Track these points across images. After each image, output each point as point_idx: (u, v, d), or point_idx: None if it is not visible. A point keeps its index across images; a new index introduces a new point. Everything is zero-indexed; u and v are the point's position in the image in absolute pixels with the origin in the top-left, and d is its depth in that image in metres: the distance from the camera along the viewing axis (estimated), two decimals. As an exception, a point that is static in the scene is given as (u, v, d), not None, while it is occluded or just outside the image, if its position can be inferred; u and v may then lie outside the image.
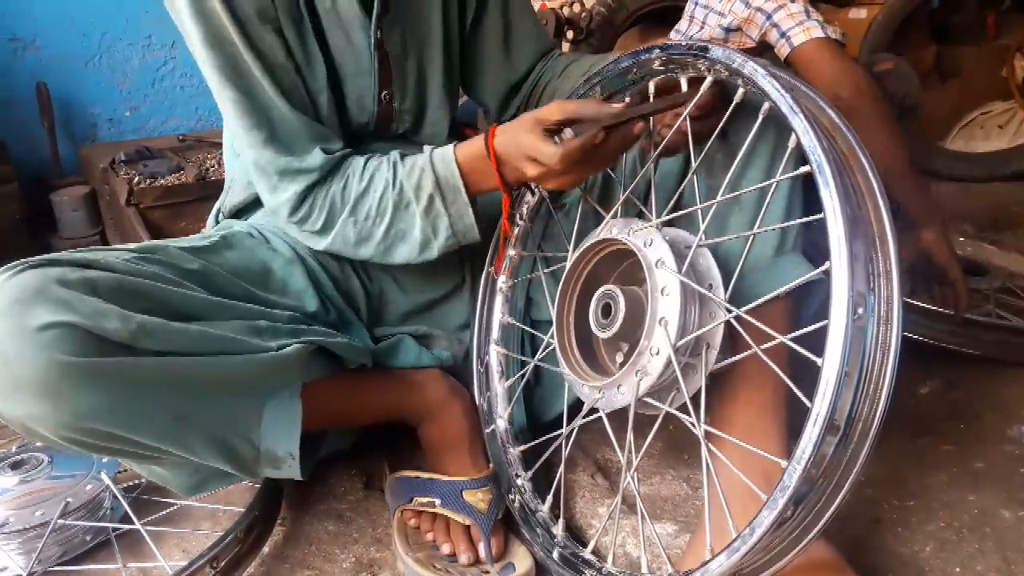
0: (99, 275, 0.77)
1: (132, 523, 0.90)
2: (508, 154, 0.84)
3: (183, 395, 0.78)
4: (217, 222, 1.06)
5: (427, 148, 0.90)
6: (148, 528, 0.90)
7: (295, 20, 0.89)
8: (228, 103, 0.88)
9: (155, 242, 0.91)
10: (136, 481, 0.99)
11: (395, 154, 0.91)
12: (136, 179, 1.67)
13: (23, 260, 0.75)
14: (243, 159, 0.92)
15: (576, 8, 2.13)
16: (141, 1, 2.00)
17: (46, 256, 0.77)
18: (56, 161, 1.94)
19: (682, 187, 0.85)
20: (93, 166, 1.85)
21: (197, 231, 1.13)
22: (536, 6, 2.23)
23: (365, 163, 0.91)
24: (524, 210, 1.00)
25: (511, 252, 1.01)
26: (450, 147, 0.89)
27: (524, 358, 1.01)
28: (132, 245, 0.87)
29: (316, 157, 0.89)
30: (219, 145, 1.89)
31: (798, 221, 0.80)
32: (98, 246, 0.84)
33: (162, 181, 1.68)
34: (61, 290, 0.72)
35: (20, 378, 0.69)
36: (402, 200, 0.90)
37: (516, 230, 1.01)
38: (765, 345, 0.68)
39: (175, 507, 0.96)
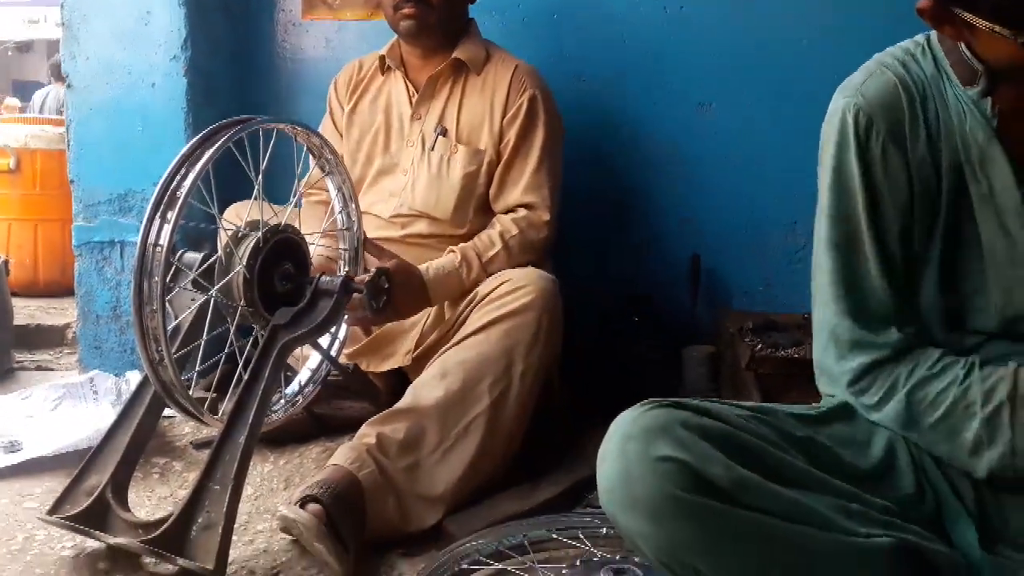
0: (713, 424, 0.87)
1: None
2: None
3: (765, 555, 0.82)
4: None
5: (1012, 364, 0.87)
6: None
7: (929, 209, 0.93)
8: (825, 273, 0.96)
9: (768, 404, 0.98)
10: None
11: (975, 357, 0.89)
12: (759, 347, 1.80)
13: (658, 399, 0.89)
14: (817, 322, 0.98)
15: None
16: (791, 187, 2.18)
17: (675, 400, 0.90)
18: (693, 322, 2.21)
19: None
20: (723, 331, 2.06)
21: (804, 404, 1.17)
22: None
23: (940, 356, 0.90)
24: None
25: None
26: None
27: None
28: (747, 404, 0.96)
29: (892, 335, 0.91)
30: (841, 327, 1.92)
31: None
32: (717, 399, 0.95)
33: (782, 353, 1.78)
34: (682, 431, 0.84)
35: (637, 497, 0.81)
36: (963, 400, 0.87)
37: None
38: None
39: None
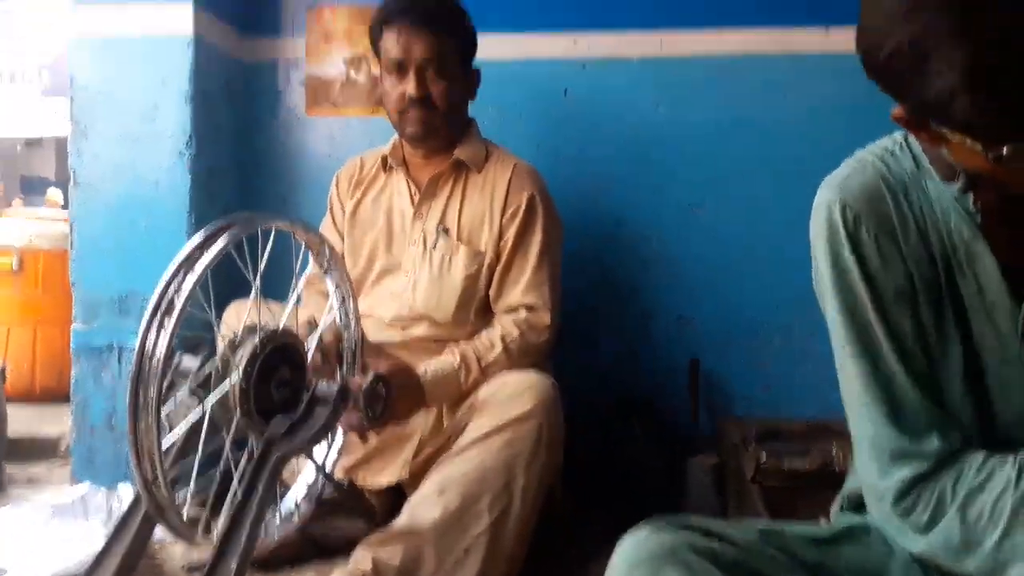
0: (723, 548, 0.84)
1: None
2: None
3: None
4: (841, 509, 1.06)
5: None
6: None
7: (934, 301, 0.89)
8: (852, 379, 0.90)
9: (776, 525, 0.95)
10: None
11: None
12: (763, 457, 1.77)
13: (665, 518, 0.87)
14: (855, 435, 0.92)
15: None
16: (787, 290, 2.19)
17: (683, 519, 0.88)
18: (694, 428, 2.18)
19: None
20: (726, 439, 2.03)
21: (812, 518, 1.14)
22: None
23: (986, 458, 0.83)
24: None
25: None
26: None
27: None
28: (756, 523, 0.93)
29: (933, 443, 0.85)
30: (843, 435, 1.89)
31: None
32: (722, 519, 0.92)
33: (786, 465, 1.75)
34: (691, 555, 0.81)
35: None
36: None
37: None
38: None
39: None
